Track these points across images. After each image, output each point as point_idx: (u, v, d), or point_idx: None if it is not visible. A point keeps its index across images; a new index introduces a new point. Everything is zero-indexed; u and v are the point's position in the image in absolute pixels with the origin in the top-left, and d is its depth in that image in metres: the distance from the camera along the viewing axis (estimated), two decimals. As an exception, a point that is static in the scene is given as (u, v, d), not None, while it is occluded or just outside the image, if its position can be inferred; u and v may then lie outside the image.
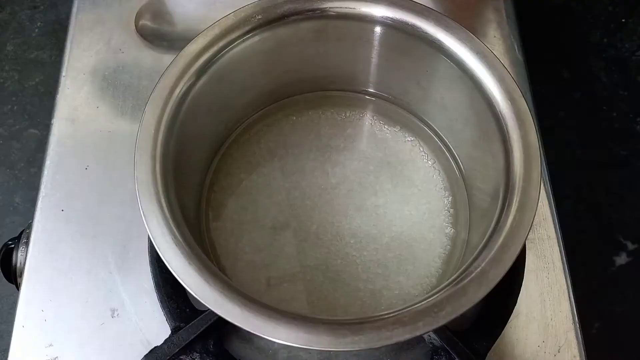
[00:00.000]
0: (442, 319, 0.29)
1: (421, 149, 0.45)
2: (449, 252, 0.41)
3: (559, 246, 0.44)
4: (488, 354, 0.38)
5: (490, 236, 0.32)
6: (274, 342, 0.28)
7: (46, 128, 0.48)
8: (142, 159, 0.33)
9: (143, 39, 0.51)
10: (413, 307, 0.29)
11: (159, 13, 0.54)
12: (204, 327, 0.36)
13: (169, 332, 0.38)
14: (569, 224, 0.47)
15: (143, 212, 0.32)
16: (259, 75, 0.43)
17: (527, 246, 0.42)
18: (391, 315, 0.29)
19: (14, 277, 0.43)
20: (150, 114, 0.34)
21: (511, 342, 0.41)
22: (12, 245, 0.43)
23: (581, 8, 1.09)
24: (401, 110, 0.46)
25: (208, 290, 0.30)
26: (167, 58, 0.36)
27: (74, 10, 0.53)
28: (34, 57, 1.04)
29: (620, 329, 0.87)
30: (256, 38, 0.38)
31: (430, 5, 0.38)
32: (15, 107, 1.00)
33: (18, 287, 0.42)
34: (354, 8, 0.38)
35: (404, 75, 0.43)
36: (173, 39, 0.53)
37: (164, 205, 0.32)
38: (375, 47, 0.42)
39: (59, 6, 1.08)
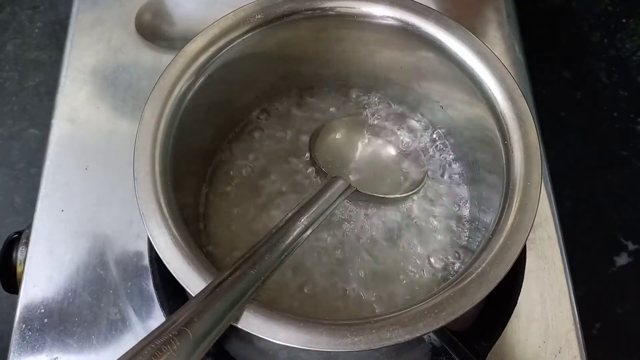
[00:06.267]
0: (442, 320, 0.29)
1: (420, 148, 0.45)
2: (449, 252, 0.41)
3: (560, 246, 0.44)
4: (488, 355, 0.38)
5: (491, 237, 0.32)
6: (274, 343, 0.28)
7: (46, 128, 0.48)
8: (141, 159, 0.33)
9: (143, 39, 0.51)
10: (413, 308, 0.29)
11: (159, 13, 0.54)
12: (204, 327, 0.36)
13: (169, 332, 0.38)
14: (569, 224, 0.47)
15: (142, 212, 0.31)
16: (258, 74, 0.43)
17: (527, 247, 0.42)
18: (391, 316, 0.29)
19: (13, 277, 0.43)
20: (150, 114, 0.34)
21: (512, 342, 0.40)
22: (16, 236, 0.44)
23: (581, 8, 1.09)
24: (401, 109, 0.46)
25: (207, 290, 0.30)
26: (167, 58, 0.36)
27: (74, 10, 0.53)
28: (34, 57, 1.04)
29: (621, 329, 0.87)
30: (256, 38, 0.38)
31: (430, 5, 0.38)
32: (15, 107, 1.00)
33: (17, 291, 0.42)
34: (354, 8, 0.38)
35: (403, 75, 0.43)
36: (173, 38, 0.53)
37: (163, 205, 0.32)
38: (375, 47, 0.41)
39: (59, 6, 1.08)
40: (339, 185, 0.38)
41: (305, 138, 0.45)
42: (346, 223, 0.42)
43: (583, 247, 0.90)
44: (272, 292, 0.39)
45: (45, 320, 0.41)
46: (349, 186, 0.39)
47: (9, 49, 1.05)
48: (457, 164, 0.44)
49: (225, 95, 0.41)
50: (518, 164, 0.33)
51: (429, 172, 0.44)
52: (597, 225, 0.93)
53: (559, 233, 0.44)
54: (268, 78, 0.44)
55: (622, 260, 0.91)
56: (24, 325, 0.41)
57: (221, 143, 0.44)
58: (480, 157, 0.40)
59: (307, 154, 0.44)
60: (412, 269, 0.41)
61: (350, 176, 0.41)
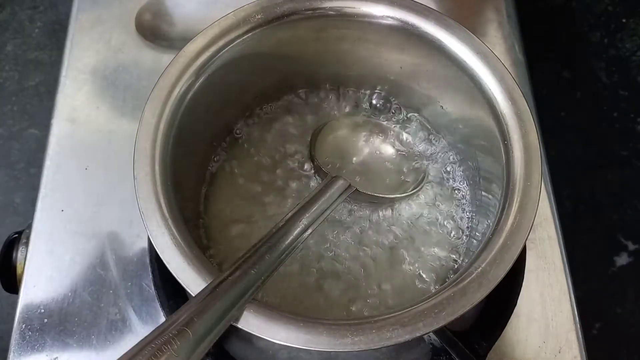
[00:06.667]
0: (442, 320, 0.29)
1: (420, 148, 0.45)
2: (449, 251, 0.41)
3: (560, 246, 0.44)
4: (488, 355, 0.38)
5: (491, 237, 0.32)
6: (274, 343, 0.28)
7: (46, 128, 0.48)
8: (141, 159, 0.33)
9: (143, 39, 0.51)
10: (413, 308, 0.29)
11: (159, 13, 0.54)
12: (204, 327, 0.36)
13: (169, 332, 0.38)
14: (569, 224, 0.47)
15: (142, 212, 0.31)
16: (258, 74, 0.43)
17: (527, 246, 0.42)
18: (391, 316, 0.29)
19: (13, 277, 0.43)
20: (150, 114, 0.34)
21: (512, 342, 0.40)
22: (16, 236, 0.44)
23: (581, 8, 1.09)
24: (401, 109, 0.46)
25: (207, 290, 0.30)
26: (167, 58, 0.36)
27: (74, 10, 0.53)
28: (34, 57, 1.04)
29: (621, 329, 0.87)
30: (256, 38, 0.38)
31: (430, 4, 0.38)
32: (15, 107, 1.00)
33: (17, 291, 0.42)
34: (354, 7, 0.38)
35: (403, 75, 0.43)
36: (173, 38, 0.53)
37: (163, 205, 0.32)
38: (375, 47, 0.41)
39: (59, 6, 1.08)
40: (339, 185, 0.38)
41: (305, 138, 0.45)
42: (346, 223, 0.42)
43: (583, 247, 0.90)
44: (270, 291, 0.39)
45: (45, 320, 0.41)
46: (349, 186, 0.39)
47: (9, 49, 1.05)
48: (457, 164, 0.44)
49: (225, 95, 0.41)
50: (518, 164, 0.33)
51: (428, 172, 0.44)
52: (597, 225, 0.93)
53: (559, 233, 0.44)
54: (268, 78, 0.44)
55: (622, 260, 0.91)
56: (24, 325, 0.41)
57: (221, 143, 0.44)
58: (480, 157, 0.40)
59: (307, 154, 0.44)
60: (412, 268, 0.41)
61: (350, 176, 0.41)
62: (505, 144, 0.34)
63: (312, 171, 0.44)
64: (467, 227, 0.42)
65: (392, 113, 0.46)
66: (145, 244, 0.43)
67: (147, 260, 0.42)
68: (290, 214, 0.35)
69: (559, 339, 0.41)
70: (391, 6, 0.38)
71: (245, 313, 0.29)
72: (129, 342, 0.40)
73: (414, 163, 0.44)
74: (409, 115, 0.46)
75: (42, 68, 1.03)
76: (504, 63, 0.36)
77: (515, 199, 0.32)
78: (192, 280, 0.30)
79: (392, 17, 0.38)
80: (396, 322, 0.29)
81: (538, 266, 0.43)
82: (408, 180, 0.43)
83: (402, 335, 0.28)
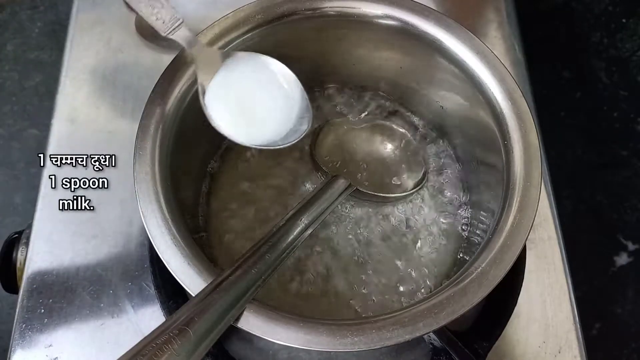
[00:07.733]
0: (442, 320, 0.29)
1: (420, 148, 0.45)
2: (448, 251, 0.41)
3: (559, 246, 0.44)
4: (488, 355, 0.38)
5: (491, 237, 0.32)
6: (274, 343, 0.28)
7: (46, 128, 0.48)
8: (141, 159, 0.33)
9: (143, 38, 0.51)
10: (413, 308, 0.29)
11: (159, 13, 0.54)
12: (204, 327, 0.36)
13: (169, 332, 0.38)
14: (569, 224, 0.47)
15: (142, 212, 0.32)
16: (258, 75, 0.43)
17: (527, 247, 0.42)
18: (391, 316, 0.29)
19: (13, 277, 0.43)
20: (150, 114, 0.34)
21: (512, 342, 0.40)
22: (16, 236, 0.43)
23: (581, 8, 1.09)
24: (400, 109, 0.46)
25: (208, 290, 0.30)
26: (167, 58, 0.36)
27: (74, 10, 0.53)
28: (34, 57, 1.04)
29: (621, 329, 0.87)
30: (256, 38, 0.38)
31: (430, 5, 0.38)
32: (15, 107, 1.00)
33: (17, 291, 0.42)
34: (354, 7, 0.38)
35: (403, 75, 0.43)
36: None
37: (163, 205, 0.32)
38: (375, 47, 0.41)
39: (59, 6, 1.08)
40: (340, 184, 0.38)
41: (305, 137, 0.44)
42: (346, 222, 0.42)
43: (583, 247, 0.90)
44: (270, 291, 0.39)
45: (45, 320, 0.41)
46: (349, 185, 0.39)
47: (9, 49, 1.05)
48: (457, 164, 0.44)
49: (225, 95, 0.41)
50: (518, 164, 0.33)
51: (428, 172, 0.44)
52: (597, 225, 0.93)
53: (559, 233, 0.44)
54: (268, 78, 0.44)
55: (622, 260, 0.91)
56: (24, 325, 0.41)
57: (221, 143, 0.44)
58: (480, 157, 0.40)
59: (308, 153, 0.44)
60: (411, 268, 0.41)
61: (350, 175, 0.41)
62: (505, 144, 0.34)
63: (313, 170, 0.44)
64: (467, 227, 0.42)
65: (392, 113, 0.46)
66: (146, 244, 0.43)
67: (147, 260, 0.42)
68: (290, 213, 0.35)
69: (559, 339, 0.41)
70: (391, 6, 0.38)
71: (245, 313, 0.29)
72: (129, 342, 0.40)
73: (414, 162, 0.44)
74: (408, 115, 0.46)
75: (42, 68, 1.03)
76: (504, 63, 0.36)
77: (515, 199, 0.32)
78: (192, 280, 0.30)
79: (392, 17, 0.38)
80: (396, 322, 0.29)
81: (538, 266, 0.43)
82: (408, 179, 0.43)
83: (402, 335, 0.28)
